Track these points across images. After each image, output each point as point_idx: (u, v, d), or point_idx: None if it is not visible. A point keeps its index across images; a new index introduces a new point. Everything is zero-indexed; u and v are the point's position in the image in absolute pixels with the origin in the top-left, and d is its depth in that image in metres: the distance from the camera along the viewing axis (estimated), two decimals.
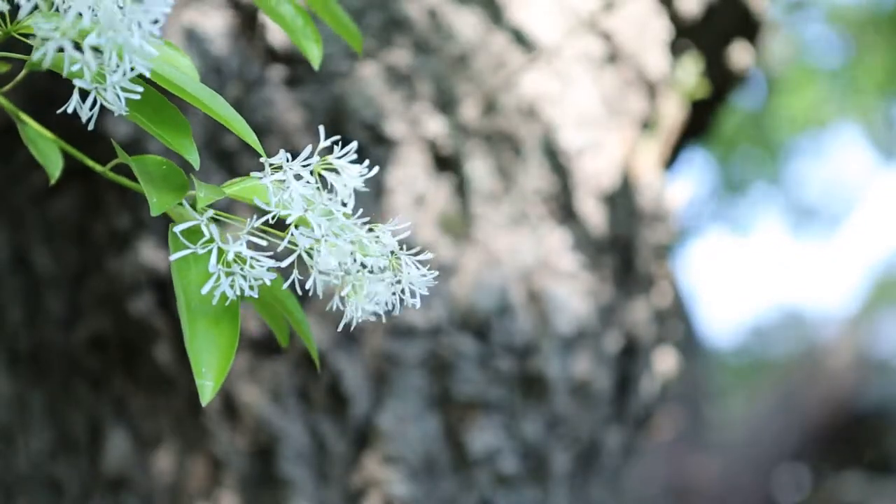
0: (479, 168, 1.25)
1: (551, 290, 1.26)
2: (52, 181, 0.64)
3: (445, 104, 1.24)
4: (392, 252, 0.62)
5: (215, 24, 1.21)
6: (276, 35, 1.21)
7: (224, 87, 1.20)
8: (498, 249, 1.25)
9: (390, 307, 0.62)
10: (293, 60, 1.21)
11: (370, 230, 0.61)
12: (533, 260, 1.26)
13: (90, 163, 0.65)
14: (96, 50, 0.55)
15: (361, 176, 0.62)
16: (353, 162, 0.62)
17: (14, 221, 1.29)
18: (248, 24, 1.22)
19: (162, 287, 1.21)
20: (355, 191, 0.62)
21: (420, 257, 0.63)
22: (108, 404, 1.26)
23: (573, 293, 1.27)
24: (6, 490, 1.31)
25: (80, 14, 0.54)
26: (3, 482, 1.31)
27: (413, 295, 0.62)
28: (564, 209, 1.29)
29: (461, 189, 1.25)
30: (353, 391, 1.21)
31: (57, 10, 0.55)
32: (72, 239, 1.27)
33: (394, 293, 0.62)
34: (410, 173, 1.23)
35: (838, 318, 5.64)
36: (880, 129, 4.91)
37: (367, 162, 0.62)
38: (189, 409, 1.23)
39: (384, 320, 0.64)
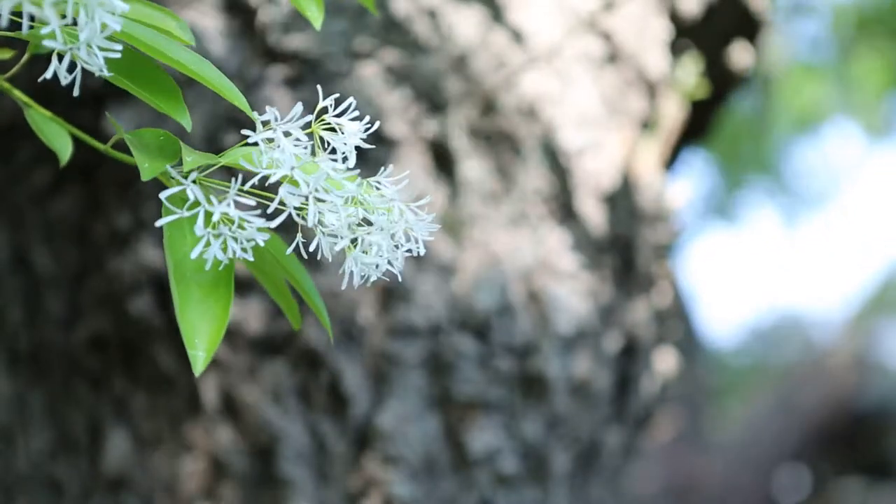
0: (479, 168, 1.25)
1: (551, 290, 1.26)
2: (63, 163, 0.63)
3: (445, 104, 1.24)
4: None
5: (215, 24, 1.21)
6: (276, 35, 1.21)
7: None
8: (498, 249, 1.25)
9: (393, 259, 0.60)
10: (293, 60, 1.21)
11: (370, 186, 0.60)
12: (533, 260, 1.26)
13: (93, 142, 0.64)
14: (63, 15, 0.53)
15: (362, 132, 0.60)
16: (353, 120, 0.60)
17: (14, 221, 1.29)
18: (248, 24, 1.22)
19: (162, 287, 1.21)
20: (366, 144, 0.60)
21: (417, 203, 0.62)
22: (108, 404, 1.26)
23: (573, 293, 1.27)
24: (6, 490, 1.31)
25: None
26: (3, 482, 1.31)
27: (416, 241, 0.61)
28: (564, 209, 1.29)
29: (461, 189, 1.25)
30: (353, 391, 1.21)
31: None
32: (72, 239, 1.27)
33: (396, 246, 0.60)
34: (410, 173, 1.23)
35: (838, 319, 5.64)
36: (879, 125, 4.91)
37: (367, 118, 0.61)
38: (189, 409, 1.23)
39: (400, 277, 0.62)
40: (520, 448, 1.25)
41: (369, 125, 0.60)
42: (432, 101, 1.24)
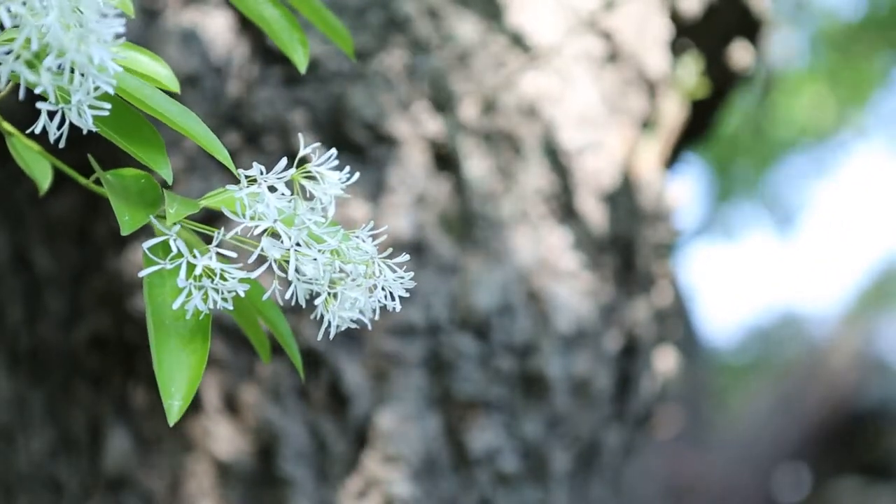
0: (479, 167, 1.25)
1: (551, 290, 1.26)
2: (42, 193, 0.63)
3: (446, 103, 1.24)
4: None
5: (215, 24, 1.21)
6: None
7: (224, 86, 1.20)
8: (498, 249, 1.25)
9: (370, 313, 0.61)
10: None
11: (348, 237, 0.60)
12: (533, 259, 1.26)
13: (74, 175, 0.64)
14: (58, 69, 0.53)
15: (342, 182, 0.60)
16: (334, 169, 0.60)
17: (14, 221, 1.29)
18: (248, 24, 1.22)
19: None
20: (346, 193, 0.60)
21: (396, 259, 0.61)
22: (109, 404, 1.26)
23: (573, 292, 1.27)
24: (7, 489, 1.31)
25: (29, 38, 0.52)
26: (4, 481, 1.31)
27: (392, 298, 0.61)
28: (565, 208, 1.29)
29: (461, 188, 1.25)
30: (354, 391, 1.21)
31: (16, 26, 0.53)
32: (72, 239, 1.27)
33: (372, 298, 0.60)
34: (411, 173, 1.23)
35: (837, 317, 5.64)
36: (869, 124, 4.93)
37: (346, 168, 0.61)
38: (189, 409, 1.23)
39: (369, 326, 0.63)
40: (520, 447, 1.25)
41: (349, 176, 0.60)
42: (433, 101, 1.24)
